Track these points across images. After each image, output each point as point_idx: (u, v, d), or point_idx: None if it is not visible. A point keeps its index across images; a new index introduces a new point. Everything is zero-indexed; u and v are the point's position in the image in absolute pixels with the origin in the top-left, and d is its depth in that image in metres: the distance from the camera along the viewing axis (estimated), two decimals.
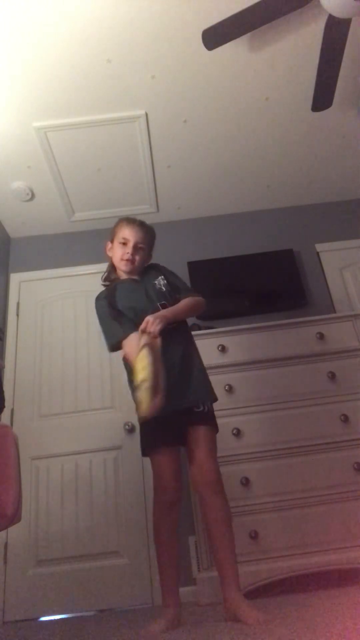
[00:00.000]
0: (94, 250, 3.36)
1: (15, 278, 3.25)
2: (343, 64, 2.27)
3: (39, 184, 2.98)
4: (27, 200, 3.10)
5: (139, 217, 1.94)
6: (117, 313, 1.76)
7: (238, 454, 2.21)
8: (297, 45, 2.33)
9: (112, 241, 1.90)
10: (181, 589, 1.61)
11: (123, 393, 2.84)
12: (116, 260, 1.87)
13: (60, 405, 2.82)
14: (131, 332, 1.65)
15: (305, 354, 2.45)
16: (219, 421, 1.71)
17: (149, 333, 1.53)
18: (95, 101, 2.49)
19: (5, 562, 2.43)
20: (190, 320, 2.00)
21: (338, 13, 1.94)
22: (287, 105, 2.68)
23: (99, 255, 3.31)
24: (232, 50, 2.30)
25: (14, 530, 2.38)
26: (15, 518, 1.35)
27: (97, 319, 1.83)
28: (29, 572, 2.40)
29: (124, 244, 1.83)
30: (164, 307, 1.72)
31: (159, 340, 1.54)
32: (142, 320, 1.61)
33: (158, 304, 1.73)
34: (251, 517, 2.08)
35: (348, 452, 2.23)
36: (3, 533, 2.42)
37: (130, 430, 2.71)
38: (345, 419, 2.28)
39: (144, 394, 1.45)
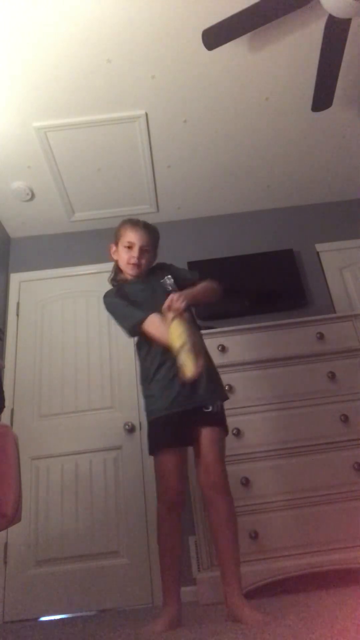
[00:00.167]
0: (94, 250, 3.36)
1: (15, 278, 3.25)
2: (343, 64, 2.27)
3: (39, 184, 2.98)
4: (27, 200, 3.10)
5: (138, 217, 1.94)
6: (133, 302, 1.75)
7: (238, 454, 2.21)
8: (297, 45, 2.33)
9: (116, 244, 1.89)
10: (181, 589, 1.61)
11: (123, 393, 2.85)
12: (122, 264, 1.86)
13: (60, 405, 2.82)
14: (152, 313, 1.66)
15: (305, 354, 2.45)
16: None
17: (175, 310, 1.55)
18: (95, 101, 2.49)
19: (5, 562, 2.43)
20: None
21: (338, 13, 1.94)
22: (287, 105, 2.68)
23: (99, 255, 3.33)
24: (232, 50, 2.30)
25: (14, 530, 2.38)
26: (15, 518, 1.35)
27: (110, 313, 1.83)
28: (29, 572, 2.40)
29: (130, 247, 1.82)
30: None
31: (186, 315, 1.57)
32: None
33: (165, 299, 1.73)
34: (251, 517, 2.08)
35: (348, 452, 2.23)
36: (3, 533, 2.42)
37: (130, 430, 2.71)
38: (345, 419, 2.28)
39: (186, 357, 1.46)
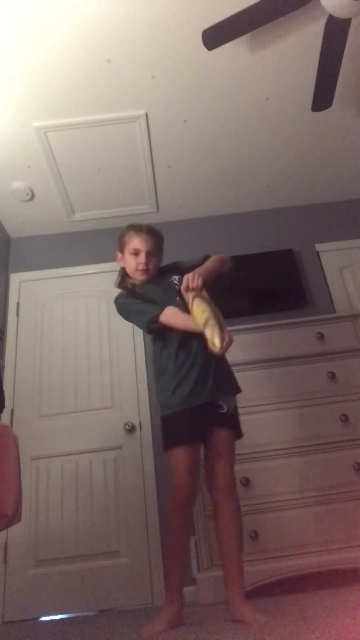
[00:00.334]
0: (94, 250, 3.37)
1: (15, 278, 3.25)
2: (343, 64, 2.27)
3: (39, 184, 2.98)
4: (27, 200, 3.10)
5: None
6: (149, 300, 1.76)
7: (238, 454, 2.17)
8: (297, 45, 2.33)
9: (121, 251, 1.90)
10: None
11: (123, 393, 2.85)
12: (130, 270, 1.87)
13: (60, 405, 2.82)
14: (168, 306, 1.68)
15: (305, 354, 2.45)
16: None
17: (193, 289, 1.58)
18: (95, 101, 2.48)
19: (5, 562, 2.43)
20: None
21: (338, 13, 1.94)
22: (287, 105, 2.68)
23: (99, 255, 3.34)
24: (232, 50, 2.30)
25: (14, 530, 2.38)
26: (15, 518, 1.35)
27: (124, 313, 1.84)
28: (29, 572, 2.40)
29: (136, 254, 1.83)
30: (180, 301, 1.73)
31: (205, 292, 1.60)
32: None
33: (177, 297, 1.74)
34: (251, 517, 2.08)
35: (348, 452, 2.23)
36: (3, 533, 2.42)
37: (130, 430, 2.71)
38: (345, 419, 2.28)
39: (212, 331, 1.48)
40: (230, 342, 1.48)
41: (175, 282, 1.82)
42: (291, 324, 2.56)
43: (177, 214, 3.44)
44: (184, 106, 2.59)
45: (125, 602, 2.33)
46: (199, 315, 1.53)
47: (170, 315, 1.67)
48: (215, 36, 2.09)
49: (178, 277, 1.82)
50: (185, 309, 1.66)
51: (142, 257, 1.82)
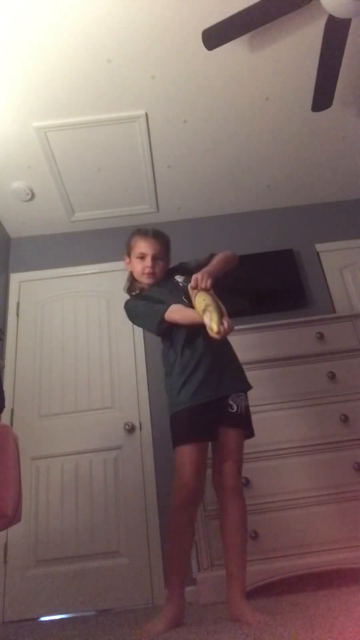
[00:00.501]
0: (94, 250, 3.37)
1: (15, 278, 3.25)
2: (343, 64, 2.27)
3: (39, 184, 2.98)
4: (27, 200, 3.10)
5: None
6: (155, 301, 1.77)
7: None
8: (297, 45, 2.33)
9: (128, 255, 1.91)
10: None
11: (123, 393, 2.85)
12: (137, 274, 1.88)
13: (60, 405, 2.82)
14: (172, 304, 1.69)
15: (305, 354, 2.45)
16: None
17: (201, 289, 1.59)
18: (95, 101, 2.49)
19: (5, 562, 2.43)
20: None
21: (338, 13, 1.94)
22: (287, 105, 2.68)
23: (99, 255, 3.34)
24: (232, 50, 2.30)
25: (14, 530, 2.38)
26: (15, 518, 1.35)
27: (134, 317, 1.85)
28: (29, 572, 2.40)
29: (142, 258, 1.84)
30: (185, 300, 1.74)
31: (211, 292, 1.60)
32: None
33: (182, 297, 1.74)
34: (251, 517, 2.05)
35: (348, 452, 2.23)
36: (3, 533, 2.42)
37: (130, 430, 2.71)
38: (345, 419, 2.28)
39: (210, 316, 1.47)
40: (230, 328, 1.45)
41: (180, 282, 1.83)
42: (291, 324, 2.56)
43: (177, 214, 3.44)
44: (184, 106, 2.59)
45: (125, 602, 2.33)
46: (200, 304, 1.54)
47: (175, 311, 1.67)
48: (215, 36, 2.09)
49: (183, 277, 1.83)
50: (191, 307, 1.66)
51: (148, 261, 1.83)
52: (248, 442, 1.72)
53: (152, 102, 2.54)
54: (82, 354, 2.97)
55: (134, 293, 1.90)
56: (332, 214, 3.49)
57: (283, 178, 3.26)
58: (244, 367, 2.31)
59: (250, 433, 1.71)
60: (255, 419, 2.27)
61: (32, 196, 3.07)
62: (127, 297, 1.93)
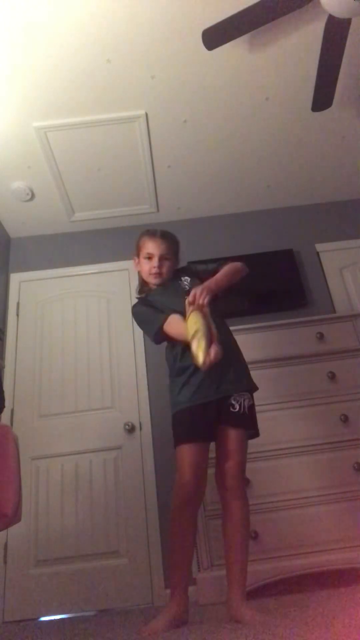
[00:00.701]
0: (94, 250, 3.37)
1: (15, 278, 3.25)
2: (343, 64, 2.27)
3: (39, 184, 2.98)
4: (27, 200, 3.10)
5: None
6: (157, 309, 1.78)
7: None
8: (297, 45, 2.33)
9: (137, 256, 1.92)
10: None
11: (123, 393, 2.85)
12: (144, 274, 1.90)
13: (60, 405, 2.82)
14: (172, 314, 1.68)
15: (305, 354, 2.45)
16: None
17: (198, 305, 1.56)
18: (95, 101, 2.48)
19: (5, 562, 2.43)
20: None
21: (338, 13, 1.94)
22: (287, 105, 2.68)
23: (99, 255, 3.34)
24: (232, 50, 2.30)
25: (14, 530, 2.38)
26: (15, 518, 1.35)
27: (138, 323, 1.88)
28: (29, 572, 2.40)
29: (149, 258, 1.86)
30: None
31: (207, 309, 1.56)
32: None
33: (182, 301, 1.74)
34: (251, 517, 2.04)
35: (348, 452, 2.23)
36: (3, 533, 2.42)
37: (130, 430, 2.71)
38: (345, 419, 2.28)
39: (198, 344, 1.42)
40: (217, 357, 1.41)
41: (186, 283, 1.83)
42: (291, 324, 2.56)
43: (177, 214, 3.44)
44: (184, 106, 2.59)
45: (125, 602, 2.33)
46: (190, 327, 1.50)
47: (171, 325, 1.68)
48: (215, 36, 2.09)
49: (189, 278, 1.84)
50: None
51: (155, 261, 1.84)
52: (248, 442, 1.72)
53: (152, 102, 2.54)
54: (82, 354, 2.97)
55: (140, 296, 1.93)
56: (332, 214, 3.49)
57: (283, 178, 3.26)
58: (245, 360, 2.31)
59: (255, 433, 1.70)
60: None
61: (32, 196, 3.07)
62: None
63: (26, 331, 3.06)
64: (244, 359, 1.79)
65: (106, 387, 2.87)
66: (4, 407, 1.74)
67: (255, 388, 1.75)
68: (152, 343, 1.86)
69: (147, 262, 1.86)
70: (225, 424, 1.63)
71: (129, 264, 3.25)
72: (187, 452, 1.58)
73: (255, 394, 1.75)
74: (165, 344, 1.83)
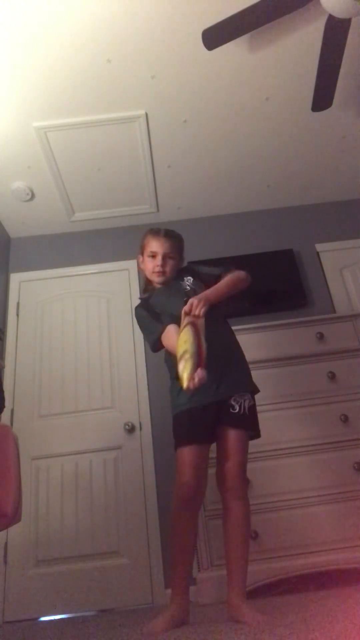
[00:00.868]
0: (94, 250, 3.37)
1: (15, 278, 3.25)
2: (343, 64, 2.27)
3: (39, 184, 2.98)
4: (27, 200, 3.10)
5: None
6: (156, 315, 1.79)
7: None
8: (297, 45, 2.33)
9: (142, 254, 1.93)
10: None
11: (123, 393, 2.85)
12: (148, 273, 1.90)
13: (60, 405, 2.82)
14: (168, 325, 1.68)
15: (305, 354, 2.45)
16: None
17: (194, 316, 1.54)
18: (95, 101, 2.48)
19: (5, 562, 2.43)
20: None
21: (338, 13, 1.94)
22: (287, 105, 2.68)
23: (99, 255, 3.34)
24: (232, 50, 2.30)
25: (14, 530, 2.38)
26: (15, 518, 1.35)
27: (139, 326, 1.88)
28: (29, 572, 2.40)
29: (153, 256, 1.86)
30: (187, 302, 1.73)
31: (202, 321, 1.54)
32: (170, 315, 1.68)
33: (183, 299, 1.74)
34: (251, 517, 2.07)
35: (348, 452, 2.23)
36: (3, 533, 2.42)
37: (130, 430, 2.71)
38: (345, 419, 2.28)
39: (184, 366, 1.38)
40: (201, 382, 1.38)
41: (188, 283, 1.83)
42: (291, 324, 2.56)
43: (177, 214, 3.44)
44: (184, 106, 2.59)
45: (125, 602, 2.33)
46: (180, 346, 1.45)
47: (165, 337, 1.69)
48: (215, 36, 2.09)
49: (192, 279, 1.84)
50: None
51: (158, 260, 1.84)
52: (249, 443, 1.72)
53: (152, 102, 2.54)
54: (82, 354, 2.97)
55: (143, 297, 1.93)
56: (332, 214, 3.49)
57: (283, 178, 3.26)
58: (247, 363, 2.31)
59: (256, 434, 1.70)
60: None
61: (32, 196, 3.07)
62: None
63: (26, 331, 3.06)
64: (245, 361, 1.78)
65: (106, 387, 2.87)
66: (4, 407, 1.74)
67: (257, 390, 1.74)
68: None
69: (151, 261, 1.86)
70: (225, 424, 1.63)
71: (129, 264, 3.25)
72: (187, 454, 1.58)
73: (255, 394, 1.75)
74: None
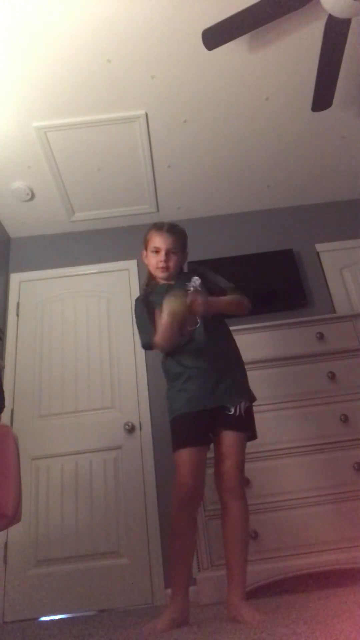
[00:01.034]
0: (94, 250, 3.37)
1: (15, 278, 3.25)
2: (343, 64, 2.27)
3: (39, 184, 2.98)
4: (27, 200, 3.10)
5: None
6: (152, 314, 1.78)
7: None
8: (297, 45, 2.33)
9: (145, 249, 1.92)
10: None
11: (123, 393, 2.85)
12: (152, 268, 1.90)
13: (60, 405, 2.82)
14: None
15: (305, 354, 2.45)
16: None
17: (193, 311, 1.60)
18: (95, 101, 2.48)
19: (5, 562, 2.43)
20: None
21: (338, 13, 1.94)
22: (287, 105, 2.68)
23: (99, 255, 3.34)
24: (232, 50, 2.30)
25: (14, 530, 2.38)
26: (15, 518, 1.35)
27: (135, 319, 1.91)
28: (29, 572, 2.40)
29: (157, 252, 1.86)
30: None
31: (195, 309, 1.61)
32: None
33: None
34: (251, 517, 2.04)
35: (348, 452, 2.23)
36: (3, 533, 2.42)
37: (130, 430, 2.71)
38: (345, 419, 2.28)
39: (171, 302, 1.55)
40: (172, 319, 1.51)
41: (194, 284, 1.82)
42: (291, 324, 2.56)
43: (177, 214, 3.44)
44: (184, 106, 2.59)
45: (125, 602, 2.33)
46: (170, 305, 1.57)
47: (159, 337, 1.68)
48: (215, 36, 2.09)
49: (199, 282, 1.83)
50: (189, 317, 1.68)
51: (161, 255, 1.84)
52: (248, 443, 1.72)
53: (152, 102, 2.54)
54: (82, 354, 2.97)
55: (145, 289, 1.94)
56: (332, 214, 3.49)
57: (283, 178, 3.26)
58: (245, 367, 2.31)
59: (252, 435, 1.70)
60: (255, 419, 2.28)
61: (32, 196, 3.07)
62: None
63: (26, 331, 3.06)
64: (243, 368, 1.78)
65: (106, 387, 2.87)
66: (4, 407, 1.74)
67: (253, 399, 1.73)
68: None
69: (155, 256, 1.86)
70: (222, 426, 1.63)
71: (129, 264, 3.25)
72: (185, 456, 1.59)
73: (255, 394, 1.75)
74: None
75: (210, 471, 1.66)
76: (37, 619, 2.30)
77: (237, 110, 2.67)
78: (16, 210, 3.18)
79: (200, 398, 1.62)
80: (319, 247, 3.34)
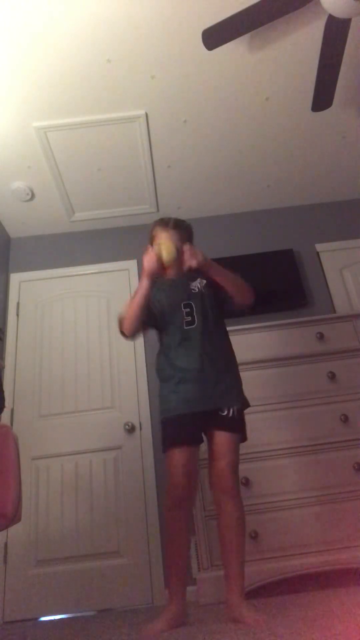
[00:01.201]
0: (94, 250, 3.37)
1: (15, 278, 3.25)
2: (343, 64, 2.27)
3: (39, 184, 2.98)
4: (27, 200, 3.10)
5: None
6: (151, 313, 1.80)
7: None
8: (297, 45, 2.33)
9: (151, 244, 1.92)
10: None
11: (123, 393, 2.85)
12: None
13: (60, 405, 2.82)
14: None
15: (305, 354, 2.45)
16: None
17: (186, 263, 1.67)
18: (95, 101, 2.48)
19: (5, 562, 2.43)
20: None
21: (338, 13, 1.94)
22: (287, 105, 2.68)
23: (99, 255, 3.34)
24: (232, 50, 2.30)
25: (14, 530, 2.38)
26: (15, 518, 1.35)
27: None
28: (29, 572, 2.40)
29: None
30: (187, 306, 1.76)
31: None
32: (167, 313, 1.73)
33: (182, 303, 1.76)
34: (251, 517, 2.08)
35: (348, 452, 2.23)
36: (3, 533, 2.42)
37: (130, 430, 2.71)
38: (345, 419, 2.28)
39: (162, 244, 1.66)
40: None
41: (197, 285, 1.82)
42: (291, 324, 2.56)
43: (177, 214, 3.40)
44: (184, 106, 2.59)
45: (125, 602, 2.33)
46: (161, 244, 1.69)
47: (125, 316, 1.73)
48: (215, 36, 2.09)
49: (205, 282, 1.83)
50: (190, 316, 1.67)
51: None
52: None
53: (152, 102, 2.54)
54: (82, 354, 2.97)
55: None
56: (332, 214, 3.49)
57: (283, 178, 3.26)
58: (244, 367, 2.31)
59: (243, 436, 1.68)
60: (255, 419, 2.29)
61: (32, 196, 3.07)
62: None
63: (26, 331, 3.06)
64: (237, 371, 1.77)
65: (106, 387, 2.87)
66: (4, 407, 1.74)
67: (247, 405, 1.73)
68: (152, 343, 1.86)
69: None
70: (215, 428, 1.63)
71: (129, 264, 3.25)
72: (176, 456, 1.59)
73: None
74: (157, 349, 1.83)
75: (206, 472, 1.66)
76: (37, 619, 2.30)
77: (237, 110, 2.66)
78: (16, 210, 3.18)
79: (195, 400, 1.61)
80: (319, 247, 3.34)
